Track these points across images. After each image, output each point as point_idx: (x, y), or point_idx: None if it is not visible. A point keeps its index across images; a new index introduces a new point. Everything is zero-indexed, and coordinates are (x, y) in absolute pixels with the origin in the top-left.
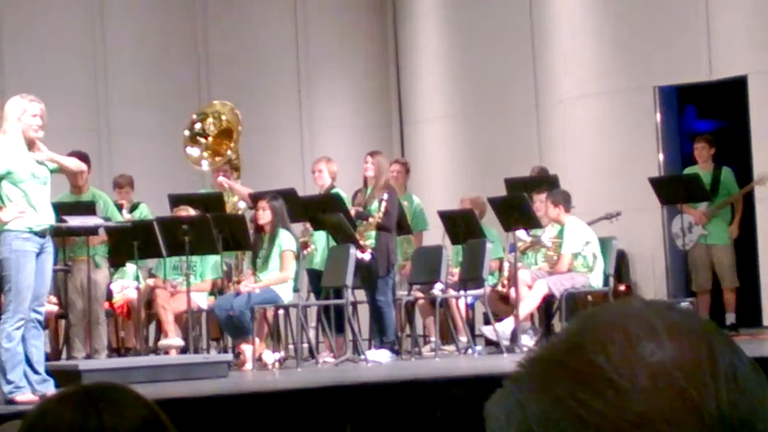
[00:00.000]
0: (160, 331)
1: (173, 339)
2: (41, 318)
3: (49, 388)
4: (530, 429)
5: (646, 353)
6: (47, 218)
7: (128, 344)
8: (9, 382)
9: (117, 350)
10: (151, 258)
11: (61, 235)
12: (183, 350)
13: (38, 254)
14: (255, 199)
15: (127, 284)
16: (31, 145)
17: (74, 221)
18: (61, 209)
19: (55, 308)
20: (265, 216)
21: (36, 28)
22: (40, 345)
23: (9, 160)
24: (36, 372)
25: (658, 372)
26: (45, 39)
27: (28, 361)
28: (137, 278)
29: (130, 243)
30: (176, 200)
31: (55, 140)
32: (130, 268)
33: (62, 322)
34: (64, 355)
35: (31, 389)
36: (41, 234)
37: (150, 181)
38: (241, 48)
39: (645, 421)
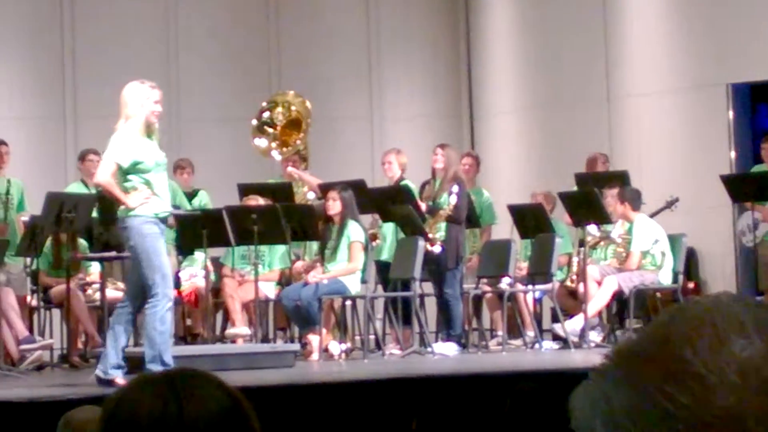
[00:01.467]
0: (227, 320)
1: (240, 328)
2: None
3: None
4: (616, 421)
5: (735, 349)
6: (168, 204)
7: (195, 332)
8: (165, 364)
9: (184, 338)
10: (219, 246)
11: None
12: (249, 339)
13: None
14: (324, 189)
15: (195, 272)
16: (150, 130)
17: None
18: None
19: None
20: (334, 207)
21: (109, 16)
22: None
23: (136, 151)
24: (121, 356)
25: (747, 368)
26: (118, 27)
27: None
28: (206, 266)
29: (199, 231)
30: (246, 190)
31: None
32: (199, 256)
33: None
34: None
35: (103, 372)
36: (164, 220)
37: (219, 170)
38: (313, 38)
39: (732, 417)
